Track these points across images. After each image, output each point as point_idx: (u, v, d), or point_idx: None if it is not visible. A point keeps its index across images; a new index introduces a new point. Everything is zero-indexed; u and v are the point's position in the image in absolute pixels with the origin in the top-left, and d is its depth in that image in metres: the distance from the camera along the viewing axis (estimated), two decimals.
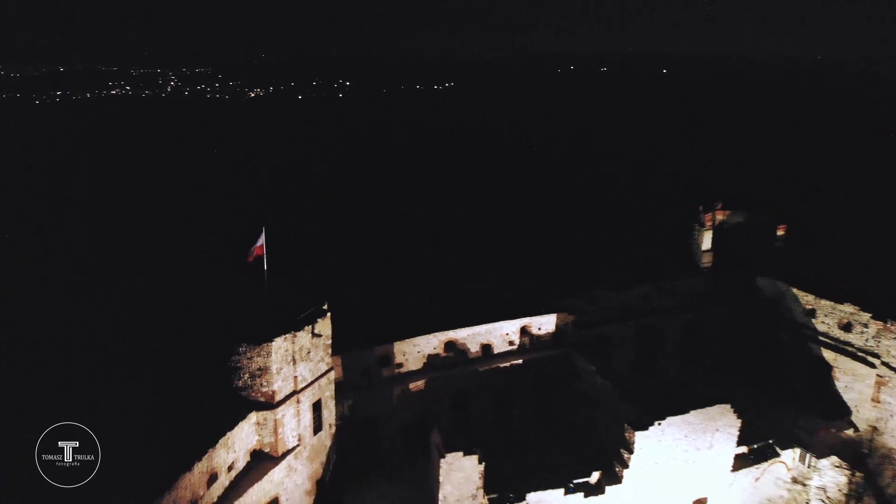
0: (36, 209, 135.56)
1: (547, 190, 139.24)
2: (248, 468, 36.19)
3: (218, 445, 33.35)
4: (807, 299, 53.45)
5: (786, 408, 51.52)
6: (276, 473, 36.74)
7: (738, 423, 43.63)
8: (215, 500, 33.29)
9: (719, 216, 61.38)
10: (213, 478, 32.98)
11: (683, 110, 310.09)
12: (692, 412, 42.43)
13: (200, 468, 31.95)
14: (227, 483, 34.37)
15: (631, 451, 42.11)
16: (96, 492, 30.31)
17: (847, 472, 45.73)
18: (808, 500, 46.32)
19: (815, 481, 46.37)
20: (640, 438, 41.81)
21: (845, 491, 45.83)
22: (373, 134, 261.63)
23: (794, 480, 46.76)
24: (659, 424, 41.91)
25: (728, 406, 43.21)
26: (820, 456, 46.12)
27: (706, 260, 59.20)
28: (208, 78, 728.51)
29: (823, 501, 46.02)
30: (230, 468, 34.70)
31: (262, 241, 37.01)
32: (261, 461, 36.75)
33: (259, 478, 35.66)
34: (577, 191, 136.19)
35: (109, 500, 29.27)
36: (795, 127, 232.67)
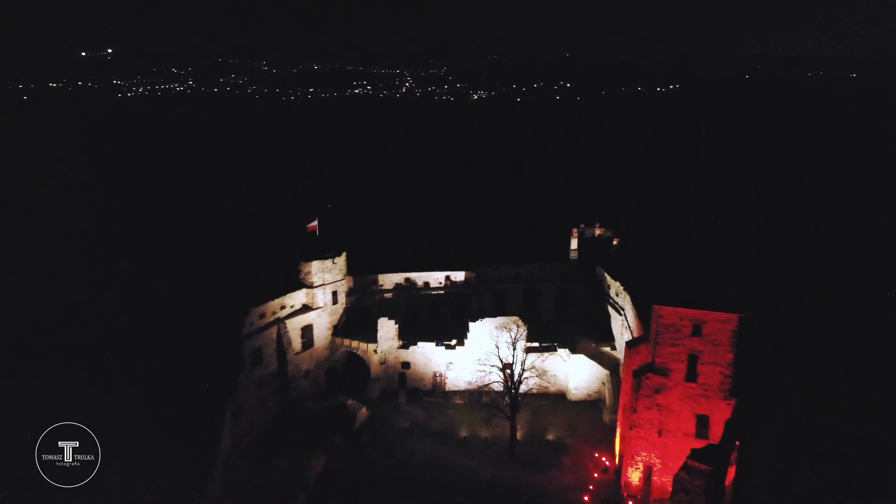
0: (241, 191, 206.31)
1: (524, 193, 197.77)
2: (300, 310, 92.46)
3: (286, 296, 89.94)
4: (608, 279, 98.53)
5: (582, 333, 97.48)
6: (312, 314, 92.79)
7: (525, 326, 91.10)
8: (283, 316, 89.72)
9: (597, 231, 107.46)
10: (282, 307, 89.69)
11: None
12: (497, 317, 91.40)
13: (279, 301, 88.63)
14: (289, 312, 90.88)
15: (468, 332, 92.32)
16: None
17: (589, 360, 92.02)
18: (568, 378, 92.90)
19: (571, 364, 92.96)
20: (472, 326, 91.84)
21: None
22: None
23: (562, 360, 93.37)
24: (481, 321, 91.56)
25: (517, 318, 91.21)
26: (574, 353, 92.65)
27: (573, 255, 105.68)
28: (439, 79, 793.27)
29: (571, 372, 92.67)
30: (292, 307, 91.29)
31: (315, 222, 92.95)
32: (306, 309, 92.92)
33: (304, 313, 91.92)
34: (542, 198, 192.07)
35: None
36: None
